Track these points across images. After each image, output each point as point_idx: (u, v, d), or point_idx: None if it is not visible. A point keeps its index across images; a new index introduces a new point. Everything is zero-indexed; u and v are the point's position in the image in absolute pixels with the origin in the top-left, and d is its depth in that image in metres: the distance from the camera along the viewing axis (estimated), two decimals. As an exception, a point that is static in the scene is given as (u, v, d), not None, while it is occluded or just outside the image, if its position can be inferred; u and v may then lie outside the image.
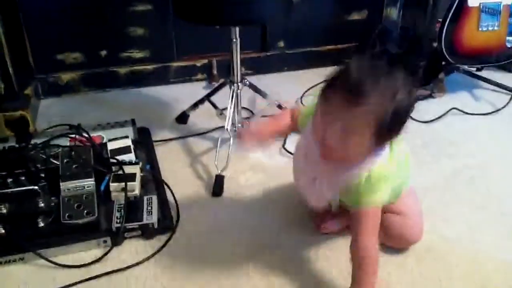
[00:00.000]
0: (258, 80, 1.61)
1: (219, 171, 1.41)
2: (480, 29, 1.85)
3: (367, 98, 0.81)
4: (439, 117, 1.81)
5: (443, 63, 1.94)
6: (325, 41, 2.24)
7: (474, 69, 2.02)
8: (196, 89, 2.05)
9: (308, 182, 1.02)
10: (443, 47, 1.86)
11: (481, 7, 1.82)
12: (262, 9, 1.34)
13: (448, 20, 1.83)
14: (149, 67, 2.04)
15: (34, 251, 1.12)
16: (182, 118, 1.75)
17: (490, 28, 1.85)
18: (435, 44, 1.94)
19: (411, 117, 1.73)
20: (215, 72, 2.09)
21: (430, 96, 1.96)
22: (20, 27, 1.82)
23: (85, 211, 1.18)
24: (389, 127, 0.86)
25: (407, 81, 0.84)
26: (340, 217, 1.19)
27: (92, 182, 1.25)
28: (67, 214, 1.17)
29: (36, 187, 1.24)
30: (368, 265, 0.96)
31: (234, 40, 1.47)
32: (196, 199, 1.36)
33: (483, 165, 1.52)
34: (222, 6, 1.30)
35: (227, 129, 1.48)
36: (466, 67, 1.96)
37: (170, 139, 1.66)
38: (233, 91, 1.52)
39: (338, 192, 0.99)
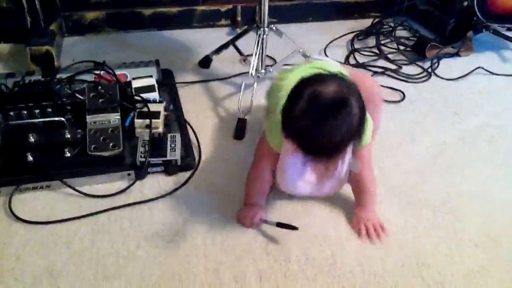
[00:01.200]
0: (282, 29, 1.58)
1: (242, 115, 1.41)
2: (515, -14, 1.79)
3: (340, 144, 0.93)
4: (464, 76, 1.78)
5: (473, 21, 1.89)
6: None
7: (505, 29, 1.97)
8: (220, 34, 2.03)
9: (321, 176, 1.10)
10: (474, 4, 1.81)
11: (518, -37, 1.76)
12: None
13: (482, -24, 1.77)
14: (174, 10, 2.02)
15: (61, 179, 1.16)
16: (205, 62, 1.75)
17: (525, -14, 1.80)
18: (465, 3, 1.90)
19: (435, 73, 1.74)
20: (239, 18, 2.07)
21: (456, 54, 1.93)
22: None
23: (111, 144, 1.20)
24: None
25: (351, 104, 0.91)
26: None
27: (118, 117, 1.27)
28: (93, 146, 1.19)
29: (62, 119, 1.25)
30: (374, 187, 1.15)
31: (263, -18, 1.44)
32: (218, 141, 1.38)
33: (505, 125, 1.51)
34: None
35: (251, 74, 1.48)
36: (496, 26, 1.90)
37: (193, 82, 1.66)
38: (259, 36, 1.51)
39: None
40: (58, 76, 1.50)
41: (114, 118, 1.26)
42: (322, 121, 0.90)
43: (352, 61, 1.87)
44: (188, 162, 1.25)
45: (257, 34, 1.52)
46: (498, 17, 1.86)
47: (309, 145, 0.94)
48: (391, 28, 2.11)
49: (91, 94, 1.32)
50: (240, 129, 1.39)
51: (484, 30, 1.93)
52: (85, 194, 1.16)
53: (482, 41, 2.00)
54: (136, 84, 1.43)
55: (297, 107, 0.91)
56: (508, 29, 1.96)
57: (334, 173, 1.07)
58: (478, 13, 1.82)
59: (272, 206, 1.17)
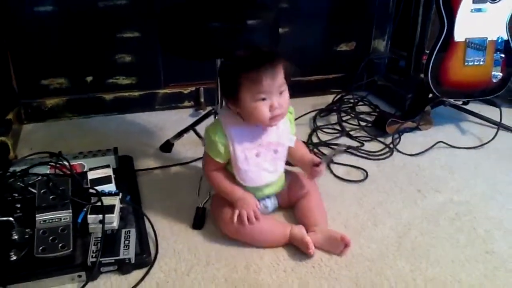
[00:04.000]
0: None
1: (201, 204, 1.38)
2: (466, 63, 1.86)
3: (278, 58, 1.16)
4: (425, 151, 1.80)
5: (430, 96, 1.95)
6: (313, 71, 2.25)
7: (461, 102, 2.03)
8: (183, 116, 2.04)
9: (272, 160, 1.28)
10: (429, 80, 1.87)
11: (467, 42, 1.84)
12: (246, 43, 1.34)
13: (435, 53, 1.84)
14: (135, 93, 2.03)
15: (5, 286, 1.08)
16: (166, 146, 1.73)
17: (475, 63, 1.87)
18: (422, 76, 1.96)
19: (397, 149, 1.77)
20: (202, 99, 2.09)
21: (416, 128, 1.97)
22: (5, 52, 1.81)
23: (60, 245, 1.14)
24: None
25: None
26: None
27: (69, 214, 1.22)
28: (41, 247, 1.13)
29: (11, 219, 1.20)
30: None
31: (219, 71, 1.46)
32: (177, 231, 1.33)
33: (467, 201, 1.50)
34: (205, 40, 1.30)
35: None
36: (452, 100, 1.97)
37: (153, 168, 1.63)
38: (217, 122, 1.51)
39: (288, 136, 1.30)
40: (11, 168, 1.46)
41: (65, 216, 1.21)
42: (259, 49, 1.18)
43: (315, 139, 1.88)
44: (143, 259, 1.18)
45: (215, 119, 1.51)
46: (451, 92, 1.92)
47: (251, 60, 1.15)
48: (351, 104, 2.16)
49: (42, 190, 1.28)
50: (199, 218, 1.35)
51: (441, 104, 1.99)
52: (31, 301, 1.09)
53: (441, 114, 2.05)
54: (92, 175, 1.39)
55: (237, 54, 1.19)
56: (464, 103, 2.03)
57: (278, 116, 1.18)
58: (433, 88, 1.87)
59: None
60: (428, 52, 1.90)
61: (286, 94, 1.20)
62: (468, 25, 1.83)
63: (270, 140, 1.26)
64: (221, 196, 1.32)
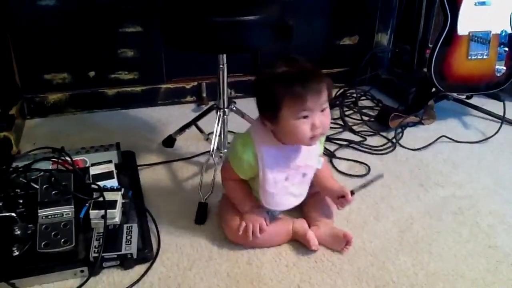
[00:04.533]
0: (248, 103, 1.58)
1: (203, 199, 1.38)
2: (469, 57, 1.85)
3: (323, 77, 1.09)
4: (428, 145, 1.80)
5: (433, 90, 1.94)
6: (316, 66, 2.23)
7: (464, 96, 2.02)
8: (185, 111, 2.04)
9: (299, 184, 1.23)
10: (432, 74, 1.86)
11: (471, 36, 1.83)
12: (252, 38, 1.33)
13: (438, 47, 1.83)
14: (138, 89, 2.03)
15: (7, 281, 1.09)
16: (169, 141, 1.73)
17: (479, 57, 1.86)
18: (425, 70, 1.95)
19: (400, 144, 1.77)
20: (204, 94, 2.08)
21: (419, 122, 1.96)
22: (8, 47, 1.81)
23: (62, 240, 1.15)
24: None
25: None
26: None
27: (71, 210, 1.22)
28: (43, 242, 1.14)
29: (13, 214, 1.20)
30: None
31: (221, 65, 1.46)
32: (179, 227, 1.33)
33: (470, 195, 1.50)
34: (210, 33, 1.29)
35: (211, 154, 1.46)
36: (455, 94, 1.95)
37: (156, 163, 1.63)
38: (219, 117, 1.51)
39: (317, 157, 1.24)
40: (14, 164, 1.47)
41: (67, 211, 1.21)
42: (302, 64, 1.10)
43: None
44: (145, 254, 1.19)
45: (217, 114, 1.51)
46: (454, 87, 1.91)
47: (296, 75, 1.06)
48: (354, 99, 2.15)
49: (44, 186, 1.28)
50: (201, 213, 1.35)
51: (444, 98, 1.98)
52: (34, 296, 1.09)
53: (444, 108, 2.04)
54: (94, 171, 1.39)
55: (276, 68, 1.09)
56: (467, 97, 2.01)
57: (324, 129, 1.11)
58: (436, 83, 1.86)
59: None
60: (431, 46, 1.89)
61: (328, 111, 1.11)
62: (472, 18, 1.81)
63: (300, 163, 1.19)
64: (229, 200, 1.30)
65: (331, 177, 1.34)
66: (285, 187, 1.20)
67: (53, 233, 1.16)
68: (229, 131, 1.64)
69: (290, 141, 1.15)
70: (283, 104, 1.07)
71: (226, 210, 1.29)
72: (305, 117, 1.08)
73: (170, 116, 1.98)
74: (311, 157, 1.22)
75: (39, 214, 1.20)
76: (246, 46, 1.40)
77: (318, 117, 1.08)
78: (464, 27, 1.81)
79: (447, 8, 1.79)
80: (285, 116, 1.08)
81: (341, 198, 1.25)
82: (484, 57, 1.86)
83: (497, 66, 1.89)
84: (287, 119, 1.08)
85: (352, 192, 1.24)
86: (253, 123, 1.24)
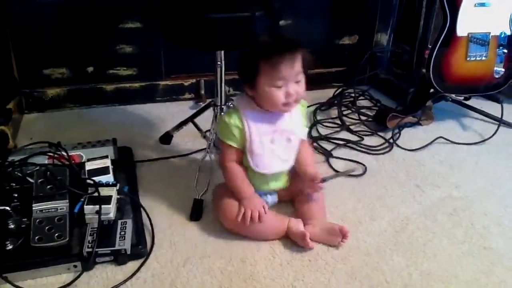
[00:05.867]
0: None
1: (198, 196, 1.38)
2: (468, 58, 1.85)
3: (298, 47, 1.18)
4: (425, 146, 1.80)
5: (431, 90, 1.94)
6: (315, 65, 2.23)
7: (462, 98, 2.02)
8: (183, 108, 2.04)
9: (285, 148, 1.28)
10: (431, 74, 1.85)
11: (470, 37, 1.82)
12: (246, 34, 1.33)
13: (437, 48, 1.83)
14: (136, 85, 2.03)
15: (0, 275, 1.08)
16: (166, 138, 1.73)
17: (478, 58, 1.85)
18: (424, 71, 1.94)
19: (397, 144, 1.77)
20: (202, 92, 2.08)
21: (417, 123, 1.95)
22: (7, 41, 1.81)
23: (56, 234, 1.14)
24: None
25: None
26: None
27: (66, 204, 1.21)
28: (37, 237, 1.13)
29: (7, 208, 1.20)
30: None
31: (219, 62, 1.46)
32: (174, 223, 1.33)
33: (466, 197, 1.50)
34: (206, 30, 1.30)
35: (207, 151, 1.46)
36: (454, 95, 1.95)
37: (152, 160, 1.63)
38: (216, 114, 1.50)
39: (301, 127, 1.32)
40: (10, 158, 1.46)
41: (61, 205, 1.21)
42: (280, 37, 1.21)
43: (314, 133, 1.87)
44: (139, 250, 1.19)
45: (214, 111, 1.51)
46: (453, 88, 1.90)
47: (272, 46, 1.17)
48: (352, 98, 2.15)
49: (39, 180, 1.28)
50: (196, 210, 1.35)
51: (443, 99, 1.98)
52: (27, 290, 1.09)
53: (442, 109, 2.04)
54: (89, 166, 1.39)
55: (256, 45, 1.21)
56: (465, 99, 2.01)
57: (293, 102, 1.20)
58: (434, 83, 1.85)
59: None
60: (430, 46, 1.89)
61: (303, 83, 1.21)
62: (471, 19, 1.81)
63: (284, 127, 1.27)
64: (224, 188, 1.32)
65: (310, 156, 1.39)
66: (271, 149, 1.26)
67: (47, 228, 1.16)
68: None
69: (267, 106, 1.23)
70: (260, 72, 1.17)
71: (219, 199, 1.31)
72: (280, 87, 1.17)
73: (168, 113, 1.98)
74: (293, 124, 1.29)
75: (33, 208, 1.20)
76: (244, 43, 1.40)
77: (292, 86, 1.18)
78: (463, 28, 1.81)
79: (447, 9, 1.79)
80: (262, 82, 1.18)
81: (310, 182, 1.30)
82: (483, 58, 1.86)
83: (495, 68, 1.89)
84: (263, 86, 1.18)
85: (323, 180, 1.28)
86: (238, 96, 1.33)
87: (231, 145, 1.25)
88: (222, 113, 1.31)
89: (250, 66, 1.19)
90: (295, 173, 1.37)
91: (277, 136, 1.26)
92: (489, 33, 1.84)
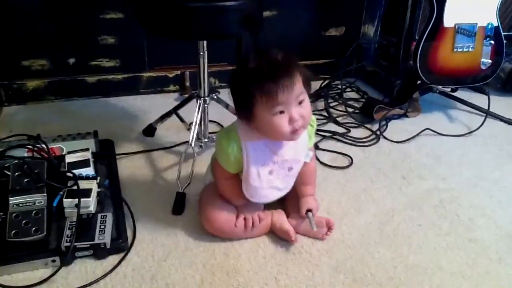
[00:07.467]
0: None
1: (181, 189, 1.35)
2: (455, 49, 1.84)
3: (294, 66, 1.02)
4: (412, 138, 1.78)
5: (418, 82, 1.92)
6: (301, 56, 2.19)
7: (449, 89, 2.01)
8: (168, 100, 2.01)
9: (284, 178, 1.19)
10: (418, 66, 1.84)
11: (457, 28, 1.81)
12: (227, 24, 1.30)
13: (423, 39, 1.81)
14: (119, 77, 1.99)
15: (-26, 270, 1.06)
16: (149, 130, 1.70)
17: (465, 49, 1.84)
18: (410, 63, 1.93)
19: (383, 136, 1.75)
20: (187, 83, 2.05)
21: (404, 115, 1.94)
22: (-16, 32, 1.76)
23: (33, 229, 1.11)
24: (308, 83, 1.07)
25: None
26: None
27: (43, 198, 1.18)
28: (13, 231, 1.10)
29: (-18, 202, 1.17)
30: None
31: (202, 53, 1.43)
32: (156, 217, 1.30)
33: (452, 188, 1.49)
34: (186, 19, 1.26)
35: (190, 144, 1.43)
36: (440, 87, 1.94)
37: (135, 153, 1.60)
38: (199, 106, 1.48)
39: (305, 151, 1.19)
40: (-13, 151, 1.42)
41: (39, 199, 1.18)
42: (273, 57, 1.02)
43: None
44: (119, 244, 1.16)
45: (197, 103, 1.48)
46: (440, 79, 1.89)
47: (263, 70, 1.00)
48: (339, 90, 2.13)
49: (16, 173, 1.24)
50: (178, 203, 1.32)
51: (429, 91, 1.97)
52: (3, 286, 1.06)
53: (429, 101, 2.03)
54: (70, 159, 1.36)
55: (248, 64, 1.04)
56: (452, 90, 2.00)
57: (300, 129, 1.05)
58: (421, 75, 1.84)
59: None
60: (417, 38, 1.87)
61: (307, 102, 1.06)
62: (458, 10, 1.80)
63: (287, 157, 1.15)
64: (211, 191, 1.26)
65: (312, 173, 1.29)
66: (269, 180, 1.17)
67: (23, 222, 1.13)
68: (210, 121, 1.61)
69: (272, 138, 1.10)
70: (255, 102, 1.03)
71: (207, 203, 1.24)
72: (282, 112, 1.03)
73: (152, 105, 1.95)
74: (298, 151, 1.17)
75: (10, 202, 1.17)
76: (224, 33, 1.36)
77: (295, 110, 1.03)
78: (450, 19, 1.80)
79: (434, -1, 1.77)
80: (260, 113, 1.04)
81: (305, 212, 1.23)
82: (470, 49, 1.85)
83: (482, 59, 1.88)
84: (262, 116, 1.04)
85: (309, 210, 1.23)
86: (238, 121, 1.17)
87: (227, 170, 1.17)
88: (221, 132, 1.20)
89: (242, 96, 1.06)
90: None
91: (278, 166, 1.16)
92: (476, 24, 1.83)
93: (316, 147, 1.68)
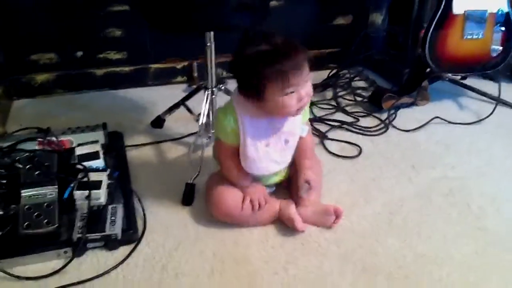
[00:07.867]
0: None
1: (190, 179, 1.36)
2: (464, 37, 1.81)
3: (302, 50, 1.07)
4: (421, 126, 1.77)
5: (427, 70, 1.91)
6: (309, 46, 2.17)
7: (459, 77, 1.99)
8: (176, 92, 2.01)
9: (281, 151, 1.22)
10: (427, 54, 1.82)
11: (466, 14, 1.79)
12: (231, 16, 1.30)
13: (432, 27, 1.79)
14: (127, 69, 1.99)
15: (-11, 262, 1.07)
16: (157, 122, 1.71)
17: (474, 36, 1.82)
18: (419, 51, 1.91)
19: (392, 125, 1.74)
20: (195, 74, 2.05)
21: (413, 104, 1.93)
22: (-7, 26, 1.78)
23: (45, 221, 1.13)
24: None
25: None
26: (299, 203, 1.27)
27: (54, 190, 1.20)
28: (25, 223, 1.12)
29: (-5, 195, 1.19)
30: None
31: (208, 44, 1.43)
32: (165, 208, 1.31)
33: (461, 177, 1.48)
34: (190, 12, 1.26)
35: (199, 135, 1.43)
36: (450, 75, 1.92)
37: (144, 144, 1.61)
38: (207, 97, 1.48)
39: (300, 125, 1.24)
40: (-1, 144, 1.44)
41: (50, 191, 1.19)
42: (282, 40, 1.06)
43: (310, 115, 1.84)
44: (130, 235, 1.17)
45: (205, 94, 1.49)
46: (449, 67, 1.87)
47: (276, 54, 1.03)
48: (348, 79, 2.12)
49: (27, 166, 1.26)
50: (188, 194, 1.33)
51: (439, 79, 1.95)
52: (16, 277, 1.07)
53: (438, 89, 2.01)
54: (80, 151, 1.37)
55: (249, 47, 1.07)
56: (462, 78, 1.98)
57: (303, 105, 1.11)
58: (430, 63, 1.82)
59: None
60: (425, 25, 1.85)
61: (309, 81, 1.12)
62: (468, -4, 1.77)
63: (283, 130, 1.20)
64: (217, 179, 1.27)
65: (311, 149, 1.34)
66: (266, 153, 1.20)
67: (35, 214, 1.14)
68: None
69: (278, 115, 1.16)
70: (268, 83, 1.06)
71: (214, 189, 1.25)
72: (292, 92, 1.08)
73: (160, 97, 1.95)
74: (294, 125, 1.22)
75: (21, 194, 1.18)
76: (227, 26, 1.36)
77: (303, 89, 1.09)
78: (459, 5, 1.77)
79: (442, -14, 1.75)
80: (271, 94, 1.08)
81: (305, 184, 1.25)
82: (480, 36, 1.82)
83: (492, 46, 1.85)
84: (273, 97, 1.08)
85: (307, 182, 1.24)
86: (235, 93, 1.20)
87: (228, 143, 1.20)
88: (219, 107, 1.24)
89: (253, 77, 1.08)
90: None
91: (274, 139, 1.20)
92: (486, 10, 1.80)
93: (325, 136, 1.68)
